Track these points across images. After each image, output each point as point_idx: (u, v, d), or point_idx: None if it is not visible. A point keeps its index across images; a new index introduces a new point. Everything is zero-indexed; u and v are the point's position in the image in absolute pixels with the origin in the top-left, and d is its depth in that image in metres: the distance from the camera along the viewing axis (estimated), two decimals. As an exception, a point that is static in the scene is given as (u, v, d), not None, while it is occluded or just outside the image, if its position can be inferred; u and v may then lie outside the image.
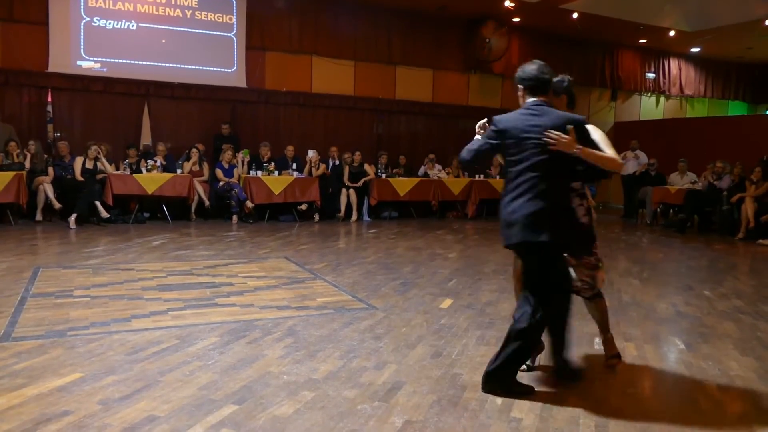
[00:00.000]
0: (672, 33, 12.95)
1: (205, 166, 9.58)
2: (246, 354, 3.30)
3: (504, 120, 3.03)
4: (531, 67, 3.06)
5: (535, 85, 3.04)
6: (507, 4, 11.15)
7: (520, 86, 3.12)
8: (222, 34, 10.63)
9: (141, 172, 8.80)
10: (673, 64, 15.69)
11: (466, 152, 3.11)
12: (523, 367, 3.09)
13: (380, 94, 12.12)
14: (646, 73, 15.31)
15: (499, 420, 2.60)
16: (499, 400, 2.79)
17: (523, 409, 2.71)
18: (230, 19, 10.66)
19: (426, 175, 11.03)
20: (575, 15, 11.69)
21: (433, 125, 12.83)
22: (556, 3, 11.14)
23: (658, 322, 4.27)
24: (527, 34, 13.36)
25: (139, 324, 3.77)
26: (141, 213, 8.98)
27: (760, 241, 8.62)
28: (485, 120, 3.18)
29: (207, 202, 9.25)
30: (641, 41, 14.28)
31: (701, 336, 3.93)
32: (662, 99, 16.01)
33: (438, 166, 11.23)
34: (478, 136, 3.14)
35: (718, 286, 5.56)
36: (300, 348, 3.42)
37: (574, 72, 14.01)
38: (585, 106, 14.87)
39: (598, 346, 3.62)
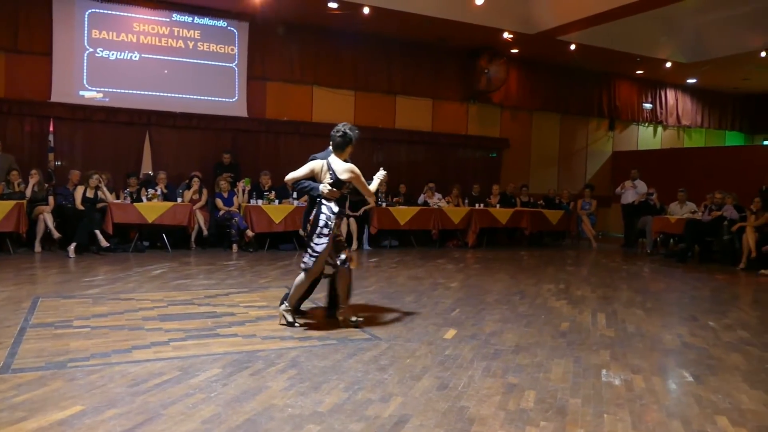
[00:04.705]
0: (668, 64, 13.14)
1: (205, 194, 9.57)
2: (249, 386, 3.24)
3: None
4: None
5: None
6: (505, 35, 11.32)
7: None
8: (224, 64, 10.74)
9: (141, 200, 8.80)
10: (670, 94, 15.88)
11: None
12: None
13: (380, 123, 12.21)
14: (643, 104, 15.48)
15: (509, 455, 2.55)
16: (508, 434, 2.74)
17: (533, 443, 2.66)
18: (232, 50, 10.78)
19: (425, 203, 11.04)
20: (573, 46, 11.87)
21: (433, 154, 12.90)
22: (553, 35, 11.31)
23: (665, 354, 4.22)
24: (525, 65, 13.54)
25: (140, 355, 3.72)
26: (141, 242, 8.95)
27: (762, 271, 8.60)
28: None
29: (206, 231, 9.23)
30: (638, 72, 14.47)
31: (709, 368, 3.89)
32: (660, 129, 16.16)
33: (438, 195, 11.26)
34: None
35: (723, 317, 5.52)
36: (304, 380, 3.37)
37: (572, 102, 14.32)
38: (583, 135, 15.01)
39: (605, 378, 3.59)
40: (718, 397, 3.35)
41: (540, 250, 11.25)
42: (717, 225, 9.67)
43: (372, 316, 5.01)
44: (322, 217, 4.43)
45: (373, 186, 4.77)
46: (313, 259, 4.42)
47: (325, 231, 4.41)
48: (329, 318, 4.84)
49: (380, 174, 4.86)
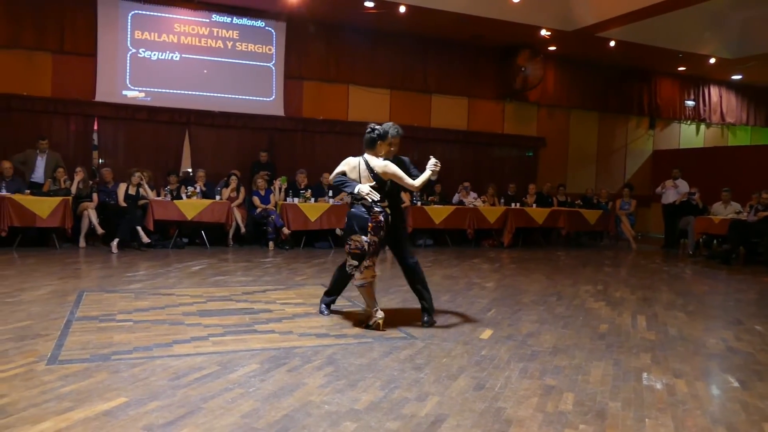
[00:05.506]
0: (712, 60, 12.78)
1: (242, 192, 9.72)
2: (287, 382, 3.28)
3: None
4: None
5: None
6: (543, 33, 11.17)
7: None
8: (262, 64, 10.88)
9: (181, 198, 8.98)
10: (714, 91, 15.43)
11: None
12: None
13: (415, 122, 12.18)
14: (686, 101, 15.08)
15: (548, 457, 2.52)
16: (546, 437, 2.71)
17: (572, 446, 2.62)
18: (270, 49, 10.91)
19: (460, 202, 10.98)
20: (612, 43, 11.64)
21: (468, 153, 12.82)
22: (592, 31, 11.12)
23: (708, 358, 4.11)
24: (563, 63, 13.34)
25: (180, 349, 3.80)
26: (180, 238, 9.14)
27: (811, 273, 8.30)
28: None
29: (243, 229, 9.36)
30: (680, 69, 14.11)
31: (756, 373, 3.77)
32: (702, 127, 15.72)
33: (473, 194, 11.19)
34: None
35: (770, 321, 5.35)
36: (340, 377, 3.39)
37: (611, 100, 14.03)
38: (622, 134, 14.71)
39: (646, 381, 3.51)
40: (765, 403, 3.24)
41: (577, 250, 11.08)
42: (763, 226, 9.36)
43: (407, 315, 5.01)
44: (383, 215, 4.43)
45: (423, 178, 4.56)
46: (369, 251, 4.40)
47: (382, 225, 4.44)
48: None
49: (431, 164, 4.55)
